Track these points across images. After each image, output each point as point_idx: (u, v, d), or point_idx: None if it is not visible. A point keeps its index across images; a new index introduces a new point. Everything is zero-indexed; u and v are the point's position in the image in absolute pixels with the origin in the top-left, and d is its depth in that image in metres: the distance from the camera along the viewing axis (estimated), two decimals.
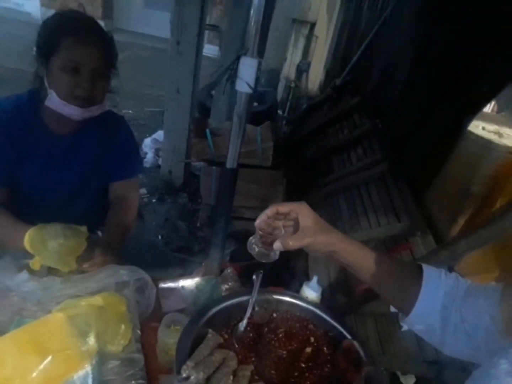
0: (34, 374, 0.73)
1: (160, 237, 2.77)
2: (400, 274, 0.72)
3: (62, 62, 1.02)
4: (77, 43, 1.03)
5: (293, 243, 0.71)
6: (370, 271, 0.72)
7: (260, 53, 1.07)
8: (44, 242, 0.97)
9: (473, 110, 1.74)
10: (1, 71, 4.76)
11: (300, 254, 2.37)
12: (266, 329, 0.88)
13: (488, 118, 1.99)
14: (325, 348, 0.89)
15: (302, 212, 0.72)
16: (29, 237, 0.98)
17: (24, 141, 1.14)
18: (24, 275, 0.93)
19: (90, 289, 0.90)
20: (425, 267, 0.69)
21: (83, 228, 1.03)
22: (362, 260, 0.73)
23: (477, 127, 1.88)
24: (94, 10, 9.00)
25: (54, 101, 1.06)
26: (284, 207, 0.74)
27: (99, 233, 1.42)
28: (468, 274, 1.30)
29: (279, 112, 5.31)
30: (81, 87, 1.05)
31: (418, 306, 0.66)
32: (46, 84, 1.07)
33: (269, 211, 0.74)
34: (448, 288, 0.66)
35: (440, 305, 0.65)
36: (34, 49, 1.07)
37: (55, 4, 7.52)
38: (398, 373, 1.48)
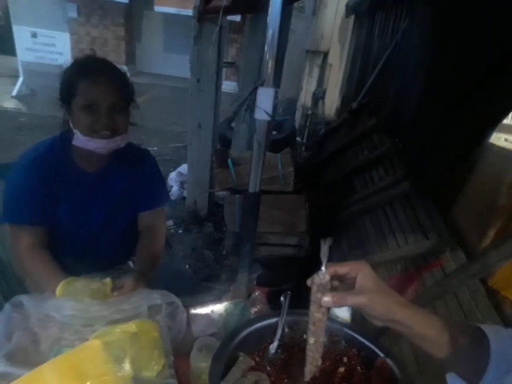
0: None
1: (187, 266, 2.81)
2: (468, 343, 0.63)
3: (81, 102, 1.11)
4: (91, 83, 1.11)
5: (347, 300, 0.64)
6: (437, 343, 0.64)
7: (276, 83, 1.14)
8: (74, 296, 1.02)
9: (492, 123, 1.73)
10: (38, 119, 5.17)
11: None
12: (296, 349, 0.88)
13: (510, 130, 1.97)
14: (358, 368, 0.87)
15: (362, 271, 0.66)
16: (60, 291, 1.04)
17: (58, 181, 1.22)
18: (64, 298, 0.98)
19: (124, 312, 0.94)
20: (485, 328, 0.62)
21: (107, 280, 1.08)
22: (428, 331, 0.64)
23: (499, 139, 1.86)
24: (117, 56, 9.67)
25: (79, 139, 1.14)
26: (343, 268, 0.67)
27: (130, 263, 1.47)
28: (503, 288, 1.25)
29: (298, 138, 5.40)
30: (100, 123, 1.12)
31: (490, 370, 0.58)
32: (71, 126, 1.15)
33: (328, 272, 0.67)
34: None
35: None
36: (58, 97, 1.17)
37: None
38: None
